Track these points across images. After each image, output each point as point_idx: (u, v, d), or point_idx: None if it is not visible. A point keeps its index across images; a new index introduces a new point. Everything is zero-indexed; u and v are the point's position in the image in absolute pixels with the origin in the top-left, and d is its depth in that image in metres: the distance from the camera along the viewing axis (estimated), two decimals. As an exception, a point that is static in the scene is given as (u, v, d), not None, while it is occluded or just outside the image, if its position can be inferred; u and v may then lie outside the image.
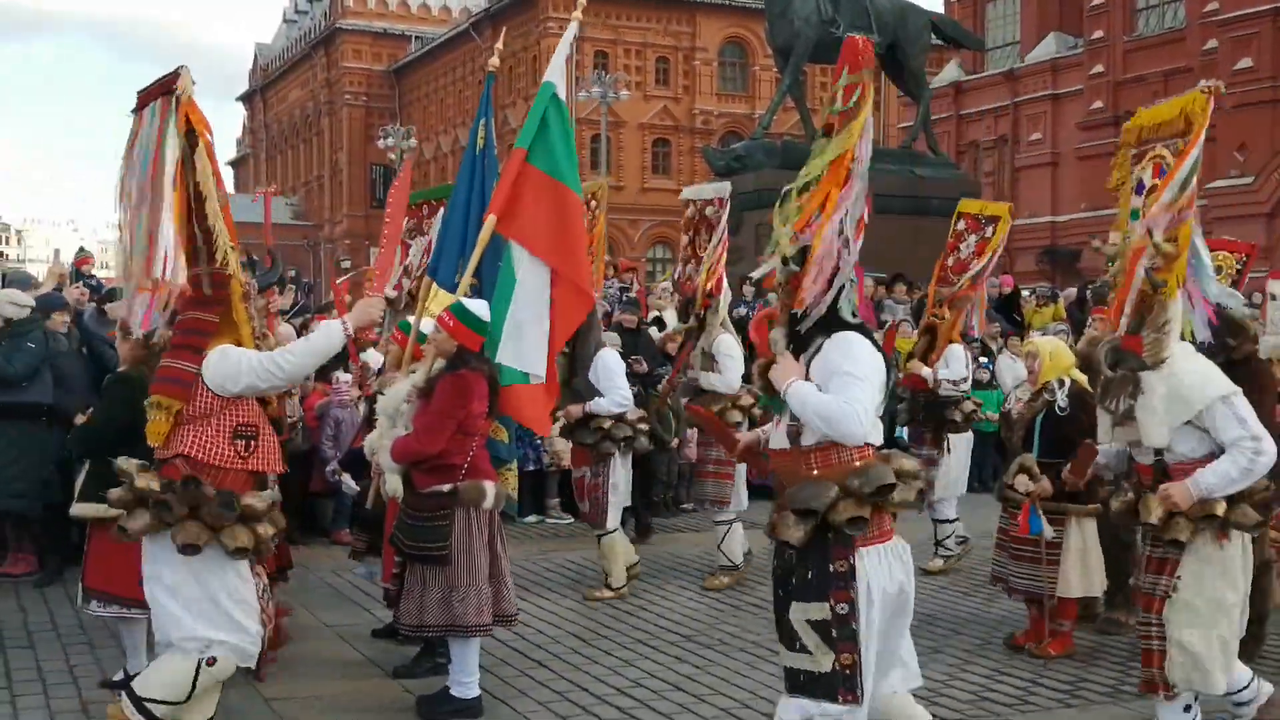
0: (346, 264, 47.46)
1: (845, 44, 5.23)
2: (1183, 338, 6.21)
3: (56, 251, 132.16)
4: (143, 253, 5.84)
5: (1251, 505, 5.99)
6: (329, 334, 6.25)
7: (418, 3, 79.27)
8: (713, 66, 64.39)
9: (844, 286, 5.17)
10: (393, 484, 7.37)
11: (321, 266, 73.04)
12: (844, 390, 4.99)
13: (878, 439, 5.19)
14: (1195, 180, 6.01)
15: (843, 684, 5.03)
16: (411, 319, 8.04)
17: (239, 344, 6.08)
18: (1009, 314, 17.84)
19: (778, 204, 5.30)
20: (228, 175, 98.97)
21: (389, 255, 8.22)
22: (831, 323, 5.16)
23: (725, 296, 10.78)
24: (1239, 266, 10.64)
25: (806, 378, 5.13)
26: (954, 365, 11.19)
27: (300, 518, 11.68)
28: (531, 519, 13.61)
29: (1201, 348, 8.29)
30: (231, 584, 6.03)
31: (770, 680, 7.65)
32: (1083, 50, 46.54)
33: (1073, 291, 20.11)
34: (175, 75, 5.80)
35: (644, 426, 10.33)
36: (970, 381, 11.48)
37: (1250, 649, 8.17)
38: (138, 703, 6.00)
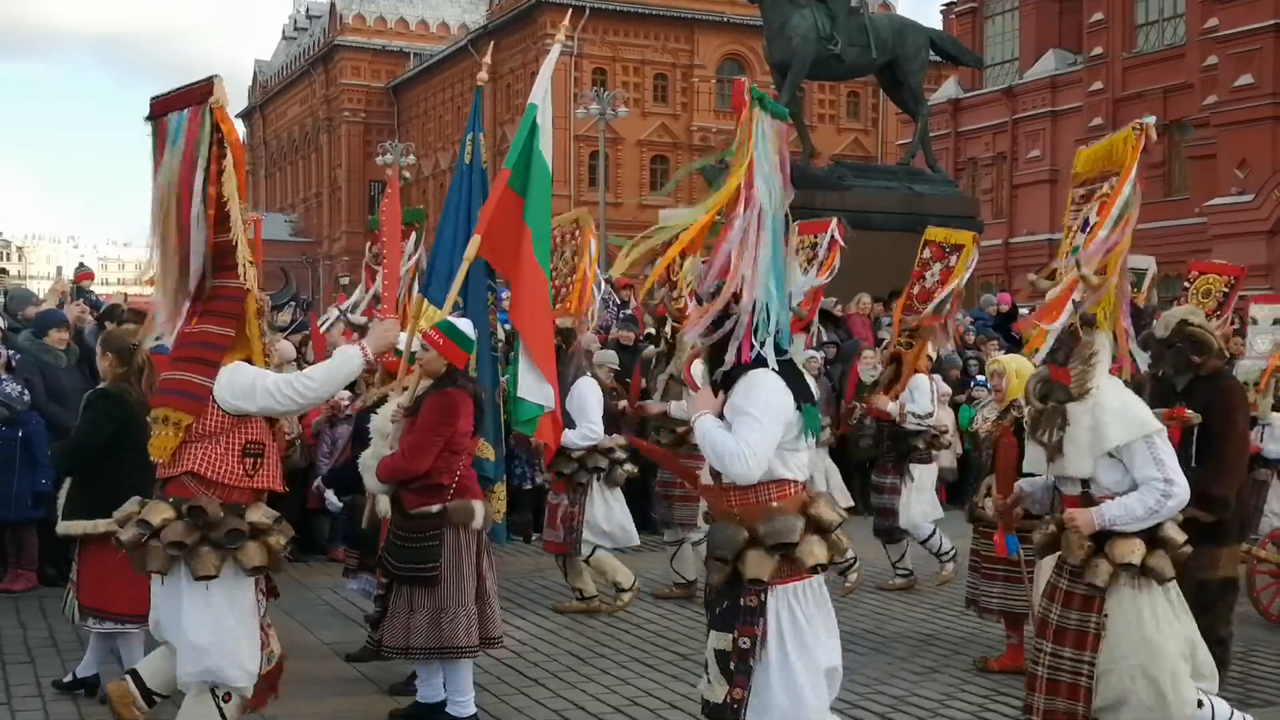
0: (345, 280, 47.56)
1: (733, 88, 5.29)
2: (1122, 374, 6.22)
3: (59, 269, 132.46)
4: (175, 269, 5.82)
5: (1170, 557, 5.94)
6: (349, 360, 6.08)
7: (416, 20, 79.37)
8: (710, 83, 64.44)
9: (761, 325, 5.12)
10: (383, 505, 7.35)
11: (320, 283, 73.07)
12: (740, 430, 5.01)
13: (800, 475, 5.23)
14: (1130, 216, 5.98)
15: (729, 718, 5.08)
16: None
17: (250, 361, 5.97)
18: (1007, 331, 17.82)
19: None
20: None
21: (393, 274, 8.19)
22: (757, 360, 5.13)
23: None
24: (1226, 290, 10.66)
25: (722, 413, 5.14)
26: (919, 398, 11.05)
27: (298, 535, 11.63)
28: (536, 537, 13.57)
29: (1163, 371, 8.32)
30: (243, 610, 5.93)
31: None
32: (1082, 67, 46.56)
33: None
34: (209, 84, 5.71)
35: (622, 455, 10.30)
36: (935, 415, 11.34)
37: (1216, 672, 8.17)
38: None
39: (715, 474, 5.23)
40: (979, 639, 9.41)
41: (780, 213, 5.21)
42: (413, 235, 10.46)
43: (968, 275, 11.24)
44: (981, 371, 14.81)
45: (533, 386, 7.76)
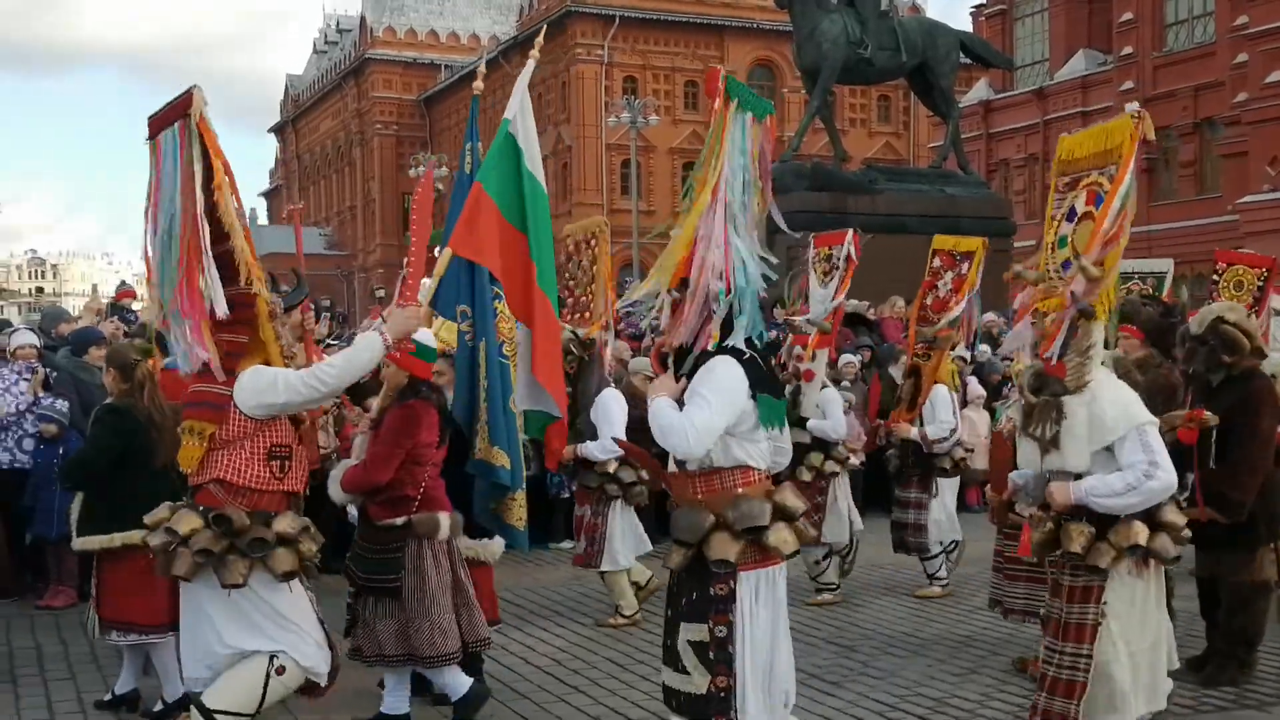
0: (381, 293, 47.67)
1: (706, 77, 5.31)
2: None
3: (94, 286, 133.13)
4: (173, 284, 5.86)
5: (1172, 538, 5.91)
6: (369, 346, 6.10)
7: (446, 31, 79.57)
8: (741, 90, 64.36)
9: (736, 312, 5.19)
10: (353, 516, 7.39)
11: (355, 296, 73.35)
12: (688, 409, 5.07)
13: (762, 464, 5.29)
14: (1129, 208, 5.93)
15: (717, 706, 5.11)
16: None
17: (268, 363, 6.01)
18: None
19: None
20: (260, 206, 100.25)
21: (419, 264, 8.16)
22: (721, 348, 5.19)
23: None
24: (1260, 283, 10.49)
25: (682, 398, 5.19)
26: (940, 412, 10.90)
27: (333, 545, 11.68)
28: (567, 544, 13.59)
29: (1194, 368, 8.25)
30: (283, 601, 6.01)
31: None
32: (1113, 67, 46.42)
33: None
34: (188, 96, 5.72)
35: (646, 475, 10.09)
36: (958, 426, 11.21)
37: (1239, 675, 8.12)
38: (208, 716, 5.93)
39: (679, 462, 5.30)
40: (1016, 640, 9.39)
41: (751, 204, 5.26)
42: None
43: (979, 283, 11.07)
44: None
45: (533, 396, 7.77)
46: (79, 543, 7.70)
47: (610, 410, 9.78)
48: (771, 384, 5.31)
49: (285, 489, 6.05)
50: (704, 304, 5.16)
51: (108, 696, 7.82)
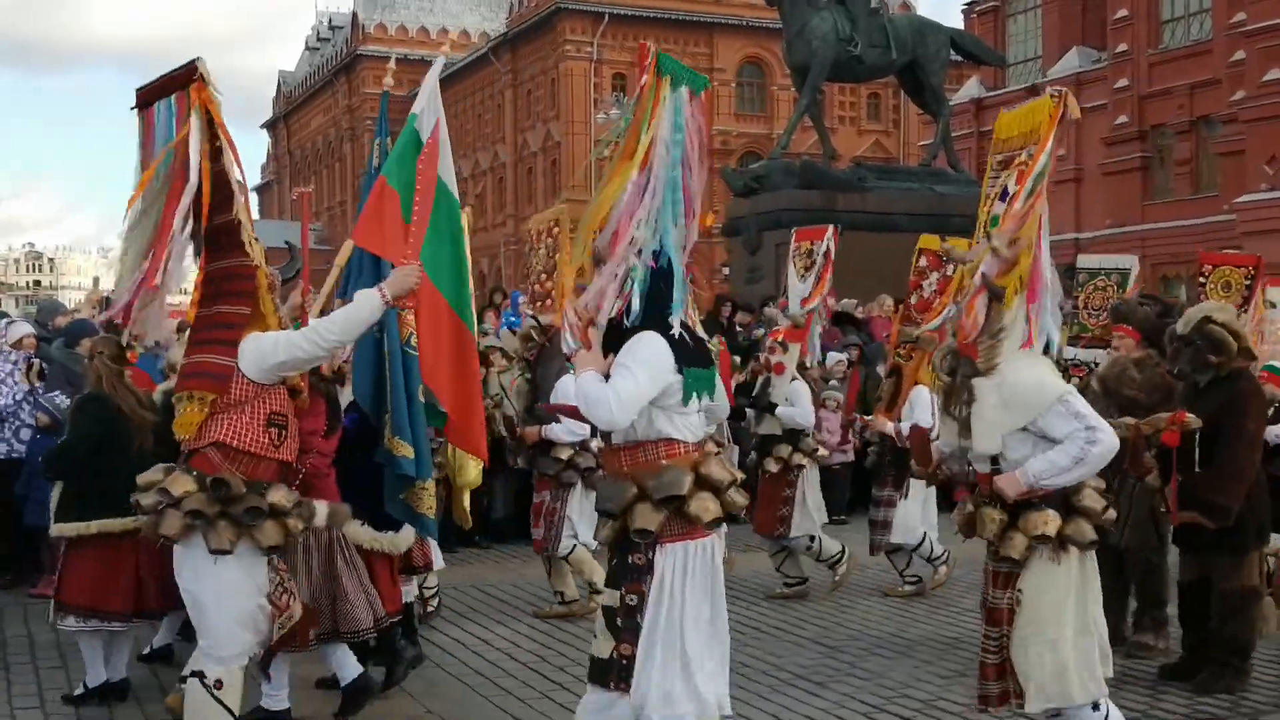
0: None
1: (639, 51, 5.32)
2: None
3: (95, 280, 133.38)
4: (136, 265, 5.84)
5: (1089, 522, 5.79)
6: (369, 302, 6.12)
7: (437, 28, 79.45)
8: (730, 87, 64.32)
9: (660, 287, 5.19)
10: None
11: (345, 291, 73.27)
12: (614, 379, 5.09)
13: (690, 436, 5.28)
14: (1043, 187, 5.82)
15: (617, 673, 5.12)
16: None
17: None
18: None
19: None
20: (252, 201, 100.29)
21: (424, 218, 7.93)
22: (650, 323, 5.19)
23: None
24: (1248, 281, 10.41)
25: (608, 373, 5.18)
26: (919, 412, 10.68)
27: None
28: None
29: (1179, 369, 8.13)
30: (247, 590, 6.02)
31: (746, 709, 7.51)
32: (1107, 64, 46.26)
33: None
34: (191, 67, 5.72)
35: None
36: (935, 429, 11.12)
37: (1234, 683, 8.01)
38: None
39: (607, 435, 5.36)
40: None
41: (688, 180, 5.26)
42: None
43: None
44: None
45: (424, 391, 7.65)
46: (56, 529, 7.74)
47: (569, 394, 9.76)
48: (698, 358, 5.30)
49: (280, 458, 6.08)
50: (623, 277, 5.16)
51: (78, 690, 7.78)
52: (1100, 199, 45.56)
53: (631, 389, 5.05)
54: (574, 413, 5.58)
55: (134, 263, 6.01)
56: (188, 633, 7.62)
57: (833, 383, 14.99)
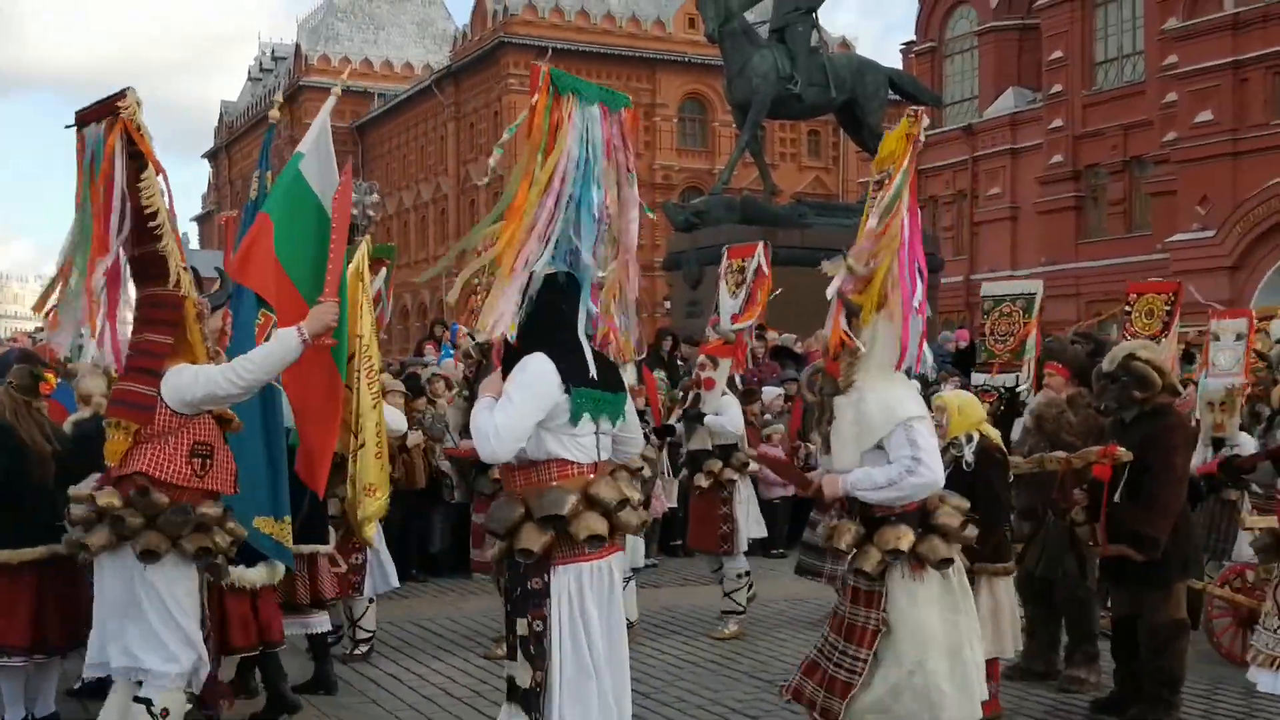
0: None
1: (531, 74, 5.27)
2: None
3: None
4: (83, 275, 5.88)
5: (945, 541, 5.89)
6: (288, 340, 6.11)
7: (380, 60, 79.41)
8: (673, 123, 64.56)
9: (557, 304, 5.20)
10: None
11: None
12: (496, 410, 5.06)
13: (583, 457, 5.23)
14: (901, 206, 5.90)
15: (533, 702, 5.09)
16: None
17: (194, 364, 6.06)
18: (966, 367, 17.87)
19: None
20: (193, 231, 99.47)
21: (338, 260, 7.90)
22: (537, 343, 5.16)
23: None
24: (1168, 307, 10.63)
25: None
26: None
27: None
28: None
29: (1105, 405, 8.26)
30: (178, 606, 5.95)
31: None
32: (1041, 105, 46.92)
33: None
34: (121, 94, 5.75)
35: None
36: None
37: (1166, 715, 8.10)
38: None
39: None
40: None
41: (590, 195, 5.24)
42: (382, 270, 10.49)
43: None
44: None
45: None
46: None
47: None
48: (600, 378, 5.25)
49: (206, 487, 6.07)
50: (520, 295, 5.13)
51: None
52: (1035, 237, 46.06)
53: (509, 421, 5.01)
54: None
55: (78, 286, 6.01)
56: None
57: (768, 417, 15.11)
